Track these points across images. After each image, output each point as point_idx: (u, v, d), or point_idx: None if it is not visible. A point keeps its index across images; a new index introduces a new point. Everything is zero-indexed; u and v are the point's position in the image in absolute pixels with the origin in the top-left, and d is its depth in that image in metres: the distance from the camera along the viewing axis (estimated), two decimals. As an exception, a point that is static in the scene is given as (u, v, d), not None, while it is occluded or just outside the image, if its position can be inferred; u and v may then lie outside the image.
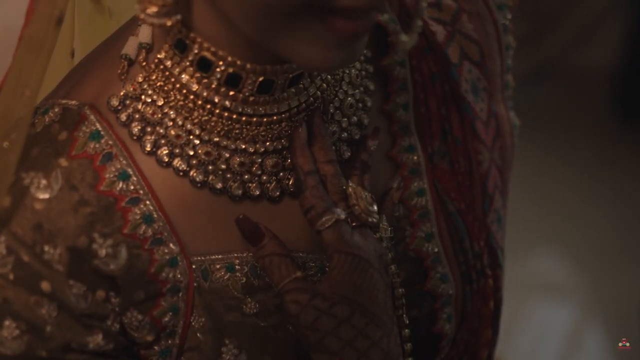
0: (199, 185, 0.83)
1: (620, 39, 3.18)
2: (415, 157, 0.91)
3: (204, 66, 0.81)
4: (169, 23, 0.77)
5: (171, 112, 0.82)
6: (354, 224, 0.83)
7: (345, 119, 0.88)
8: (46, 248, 0.79)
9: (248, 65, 0.80)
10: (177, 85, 0.82)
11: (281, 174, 0.84)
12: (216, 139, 0.82)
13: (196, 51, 0.80)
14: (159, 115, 0.82)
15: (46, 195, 0.79)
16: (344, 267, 0.81)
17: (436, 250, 0.91)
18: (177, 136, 0.82)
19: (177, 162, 0.82)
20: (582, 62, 3.21)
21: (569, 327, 2.36)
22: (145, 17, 0.76)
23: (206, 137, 0.82)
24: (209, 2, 0.78)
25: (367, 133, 0.88)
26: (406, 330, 0.86)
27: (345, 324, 0.80)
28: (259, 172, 0.84)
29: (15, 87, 0.80)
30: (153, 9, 0.76)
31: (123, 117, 0.82)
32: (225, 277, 0.83)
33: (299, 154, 0.83)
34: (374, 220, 0.84)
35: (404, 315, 0.86)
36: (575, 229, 2.64)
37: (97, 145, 0.81)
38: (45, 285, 0.79)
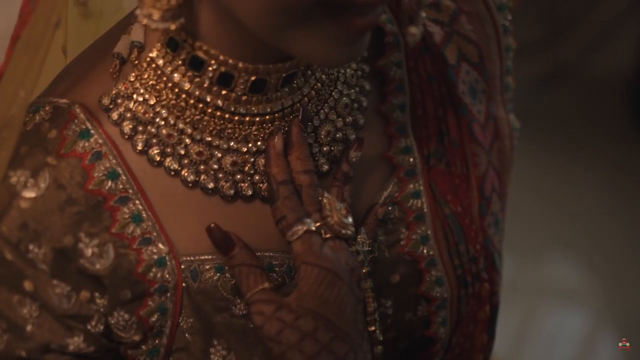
0: (190, 185, 0.82)
1: (637, 42, 3.16)
2: (412, 159, 0.90)
3: (196, 65, 0.80)
4: (173, 27, 0.76)
5: (163, 111, 0.82)
6: (328, 235, 0.82)
7: (340, 119, 0.87)
8: (31, 247, 0.79)
9: (240, 64, 0.80)
10: (169, 84, 0.81)
11: None
12: (208, 139, 0.82)
13: (188, 50, 0.80)
14: (151, 115, 0.82)
15: (32, 194, 0.79)
16: (310, 279, 0.80)
17: (431, 253, 0.90)
18: (169, 135, 0.82)
19: (168, 161, 0.82)
20: (599, 66, 3.19)
21: (582, 332, 2.34)
22: (149, 22, 0.76)
23: (198, 137, 0.82)
24: (213, 3, 0.77)
25: (362, 134, 0.88)
26: (379, 346, 0.84)
27: (309, 338, 0.80)
28: (252, 172, 0.83)
29: (10, 86, 0.79)
30: (157, 14, 0.75)
31: (114, 116, 0.82)
32: (215, 278, 0.83)
33: (273, 164, 0.82)
34: (348, 232, 0.83)
35: (377, 331, 0.84)
36: (589, 233, 2.62)
37: (86, 144, 0.81)
38: (27, 285, 0.79)
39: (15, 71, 0.79)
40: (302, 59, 0.80)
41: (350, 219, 0.83)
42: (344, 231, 0.82)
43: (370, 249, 0.85)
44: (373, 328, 0.84)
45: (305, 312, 0.80)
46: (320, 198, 0.83)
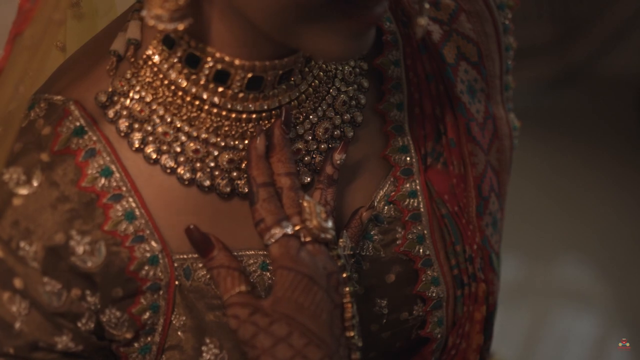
0: (186, 182, 0.82)
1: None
2: (408, 158, 0.90)
3: (192, 62, 0.80)
4: (181, 27, 0.76)
5: (159, 109, 0.81)
6: (307, 239, 0.81)
7: (338, 116, 0.87)
8: (22, 244, 0.79)
9: (236, 62, 0.80)
10: (166, 82, 0.81)
11: None
12: (205, 136, 0.82)
13: (184, 47, 0.80)
14: (147, 112, 0.81)
15: (25, 192, 0.79)
16: (286, 283, 0.79)
17: (427, 252, 0.90)
18: (165, 133, 0.81)
19: (164, 159, 0.82)
20: (612, 67, 3.17)
21: (592, 335, 2.33)
22: (158, 23, 0.75)
23: (195, 134, 0.82)
24: (222, 2, 0.77)
25: (359, 132, 0.87)
26: (357, 352, 0.82)
27: (283, 343, 0.79)
28: None
29: (9, 82, 0.79)
30: (165, 15, 0.75)
31: (111, 113, 0.82)
32: (208, 277, 0.82)
33: (253, 166, 0.81)
34: (328, 236, 0.82)
35: (356, 337, 0.82)
36: (600, 236, 2.61)
37: (80, 141, 0.81)
38: (18, 282, 0.79)
39: (14, 67, 0.79)
40: (310, 54, 0.80)
41: (330, 223, 0.82)
42: (323, 235, 0.81)
43: (352, 252, 0.84)
44: (352, 333, 0.82)
45: (280, 317, 0.79)
46: (300, 201, 0.82)
